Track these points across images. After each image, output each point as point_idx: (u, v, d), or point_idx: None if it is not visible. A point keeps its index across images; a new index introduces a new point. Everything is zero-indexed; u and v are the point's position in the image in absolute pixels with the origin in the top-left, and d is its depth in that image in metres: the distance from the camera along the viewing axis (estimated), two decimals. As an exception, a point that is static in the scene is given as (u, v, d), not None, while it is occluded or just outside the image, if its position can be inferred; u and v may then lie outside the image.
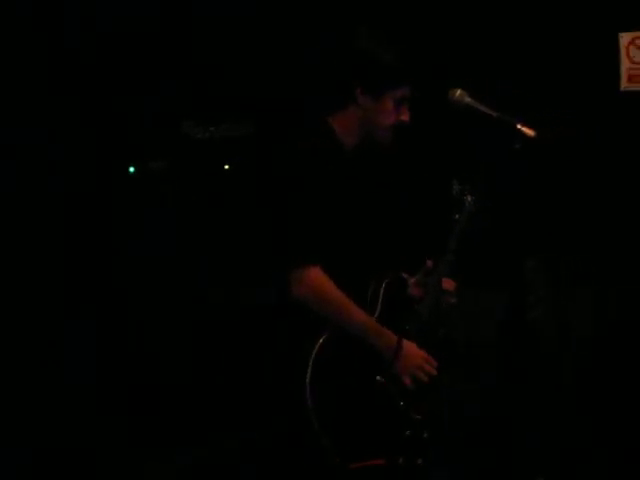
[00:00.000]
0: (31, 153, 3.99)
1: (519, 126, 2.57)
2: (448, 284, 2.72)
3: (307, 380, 2.43)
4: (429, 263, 2.72)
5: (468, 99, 2.65)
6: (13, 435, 3.73)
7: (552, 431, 3.73)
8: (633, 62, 4.03)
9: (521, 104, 2.82)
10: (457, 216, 2.68)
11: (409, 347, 2.57)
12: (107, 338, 4.07)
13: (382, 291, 2.62)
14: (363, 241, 2.65)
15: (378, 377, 2.54)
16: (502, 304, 4.09)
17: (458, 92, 2.65)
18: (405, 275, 2.79)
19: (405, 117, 2.64)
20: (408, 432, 2.56)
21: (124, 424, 3.92)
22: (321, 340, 2.48)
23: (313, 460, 2.46)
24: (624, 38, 4.05)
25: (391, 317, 2.61)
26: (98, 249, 4.15)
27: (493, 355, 4.02)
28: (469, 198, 2.69)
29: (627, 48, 4.04)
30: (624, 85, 4.06)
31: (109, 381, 3.99)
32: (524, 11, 4.13)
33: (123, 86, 4.21)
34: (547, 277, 4.10)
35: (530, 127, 2.56)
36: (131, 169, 4.44)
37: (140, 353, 4.12)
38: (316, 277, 2.48)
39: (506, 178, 3.98)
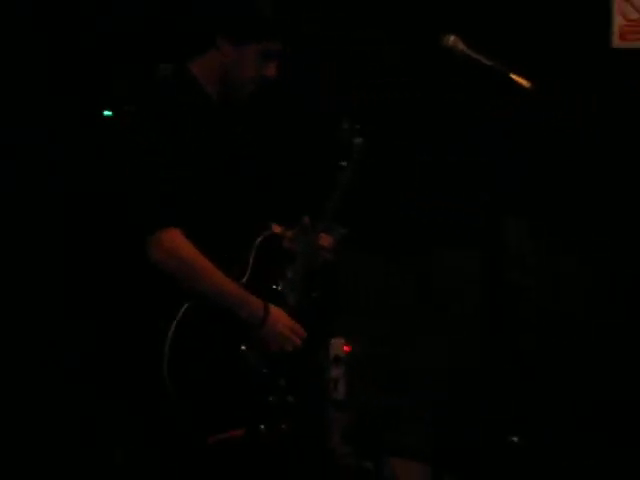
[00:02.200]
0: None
1: (513, 76, 2.47)
2: (324, 240, 2.60)
3: (165, 349, 2.29)
4: (306, 219, 2.57)
5: (462, 46, 2.55)
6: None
7: (528, 392, 3.70)
8: (626, 19, 3.94)
9: (510, 59, 2.72)
10: (344, 163, 2.51)
11: (276, 315, 2.47)
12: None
13: (254, 251, 2.49)
14: (231, 197, 2.51)
15: (243, 347, 2.44)
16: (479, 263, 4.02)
17: (452, 38, 2.56)
18: (280, 230, 2.65)
19: (270, 72, 2.50)
20: (271, 398, 2.48)
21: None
22: (184, 308, 2.34)
23: (171, 436, 2.37)
24: (616, -6, 3.96)
25: (262, 277, 2.50)
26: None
27: (472, 313, 3.96)
28: (359, 140, 2.50)
29: (620, 4, 3.95)
30: (616, 42, 3.98)
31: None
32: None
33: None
34: (530, 241, 4.04)
35: (525, 78, 2.47)
36: (107, 112, 4.29)
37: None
38: (173, 239, 2.33)
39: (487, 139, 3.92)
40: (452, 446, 3.70)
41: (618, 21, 3.94)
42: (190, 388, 2.34)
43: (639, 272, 3.83)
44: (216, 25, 2.44)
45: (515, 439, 3.09)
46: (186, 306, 2.35)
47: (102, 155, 2.82)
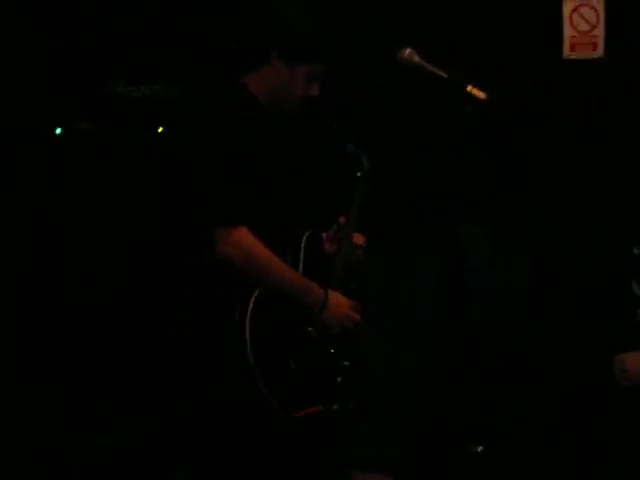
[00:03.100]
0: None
1: (469, 88, 2.49)
2: (358, 238, 2.82)
3: (247, 339, 2.46)
4: (342, 219, 2.80)
5: (417, 58, 2.57)
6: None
7: (491, 400, 3.71)
8: (576, 30, 3.99)
9: (464, 70, 2.75)
10: (359, 173, 2.78)
11: (335, 297, 2.66)
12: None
13: (302, 247, 2.68)
14: (282, 199, 2.69)
15: (310, 328, 2.62)
16: (438, 271, 4.05)
17: (407, 51, 2.58)
18: (320, 231, 2.86)
19: (314, 92, 2.69)
20: (339, 379, 2.66)
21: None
22: (253, 298, 2.51)
23: (260, 416, 2.51)
24: (567, 5, 4.01)
25: (312, 272, 2.67)
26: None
27: (430, 323, 3.98)
28: (364, 157, 2.78)
29: (570, 16, 4.00)
30: (567, 53, 4.03)
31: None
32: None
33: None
34: (485, 245, 4.07)
35: (481, 89, 2.48)
36: (58, 130, 4.26)
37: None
38: (244, 237, 2.50)
39: (445, 145, 3.96)
40: (415, 458, 3.70)
41: (569, 33, 4.00)
42: (273, 372, 2.51)
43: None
44: (273, 44, 2.61)
45: (479, 449, 3.10)
46: (256, 294, 2.52)
47: (168, 156, 2.87)
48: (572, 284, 3.91)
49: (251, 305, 2.49)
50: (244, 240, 2.49)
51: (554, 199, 4.03)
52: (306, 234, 2.71)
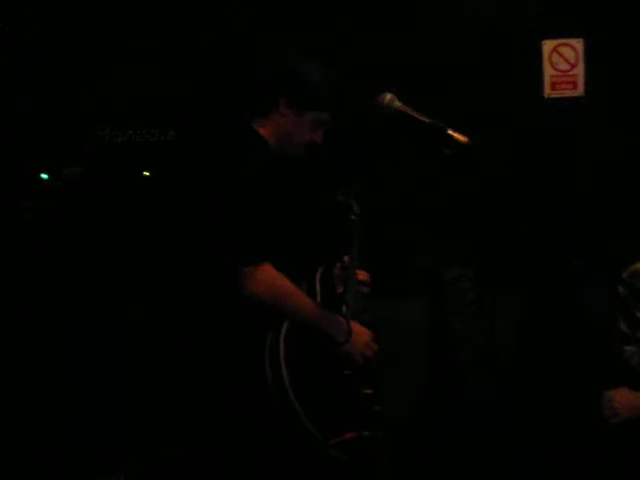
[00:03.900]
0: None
1: (451, 132, 2.51)
2: (362, 275, 2.92)
3: (284, 372, 2.55)
4: (347, 258, 2.88)
5: (398, 103, 2.59)
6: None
7: (481, 438, 3.71)
8: (556, 69, 4.04)
9: (444, 111, 2.78)
10: (353, 217, 2.87)
11: (356, 327, 2.74)
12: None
13: (318, 282, 2.79)
14: (295, 237, 2.77)
15: (346, 371, 2.73)
16: (425, 313, 4.06)
17: (388, 97, 2.59)
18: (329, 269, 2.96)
19: (318, 139, 2.78)
20: (366, 407, 2.76)
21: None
22: (283, 331, 2.60)
23: (299, 443, 2.59)
24: (547, 45, 4.06)
25: (328, 306, 2.76)
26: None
27: (421, 362, 3.98)
28: (354, 203, 2.88)
29: (550, 55, 4.06)
30: (547, 92, 4.08)
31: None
32: (448, 16, 4.11)
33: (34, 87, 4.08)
34: (472, 285, 4.09)
35: (461, 133, 2.50)
36: (44, 176, 4.26)
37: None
38: (271, 274, 2.58)
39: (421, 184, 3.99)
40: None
41: (549, 72, 4.05)
42: (309, 401, 2.59)
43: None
44: (283, 93, 2.71)
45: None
46: (285, 328, 2.61)
47: (188, 199, 2.93)
48: (558, 322, 3.92)
49: (282, 337, 2.58)
50: (270, 276, 2.57)
51: (537, 239, 4.06)
52: (319, 271, 2.82)
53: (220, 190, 2.62)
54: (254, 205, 2.58)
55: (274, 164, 2.69)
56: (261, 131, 2.74)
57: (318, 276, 2.81)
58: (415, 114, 2.57)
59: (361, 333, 2.77)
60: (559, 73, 4.03)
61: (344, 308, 2.81)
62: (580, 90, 4.03)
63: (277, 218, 2.64)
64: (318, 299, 2.76)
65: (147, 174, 4.31)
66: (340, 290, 2.88)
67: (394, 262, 3.83)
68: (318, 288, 2.78)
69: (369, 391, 2.77)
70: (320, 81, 2.72)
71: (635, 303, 3.21)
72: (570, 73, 4.02)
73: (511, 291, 4.03)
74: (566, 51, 4.03)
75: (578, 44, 4.03)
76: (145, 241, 4.12)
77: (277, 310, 2.61)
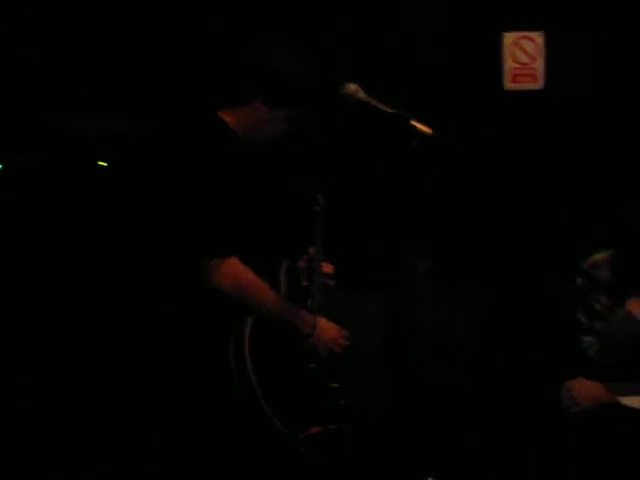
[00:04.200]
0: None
1: (415, 123, 2.50)
2: (327, 268, 2.91)
3: (249, 367, 2.51)
4: (312, 250, 2.86)
5: (362, 94, 2.57)
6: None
7: (441, 430, 3.72)
8: (517, 62, 4.06)
9: (404, 103, 2.77)
10: (317, 208, 2.88)
11: (322, 322, 2.74)
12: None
13: (282, 276, 2.77)
14: (260, 230, 2.74)
15: (312, 365, 2.71)
16: (384, 305, 4.07)
17: (352, 87, 2.57)
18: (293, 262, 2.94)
19: (286, 131, 2.75)
20: (332, 401, 2.74)
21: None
22: (248, 326, 2.57)
23: (265, 439, 2.57)
24: (507, 38, 4.08)
25: (293, 299, 2.75)
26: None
27: (379, 355, 3.98)
28: (318, 194, 2.90)
29: (510, 48, 4.07)
30: (508, 85, 4.09)
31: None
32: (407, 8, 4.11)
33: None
34: (429, 277, 4.10)
35: (426, 124, 2.50)
36: (-2, 165, 4.19)
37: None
38: (236, 267, 2.54)
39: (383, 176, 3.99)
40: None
41: (509, 64, 4.07)
42: (275, 398, 2.56)
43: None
44: (258, 87, 2.66)
45: (430, 480, 3.09)
46: (250, 323, 2.58)
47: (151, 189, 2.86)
48: (517, 314, 3.95)
49: (248, 333, 2.55)
50: (236, 270, 2.53)
51: (496, 230, 4.08)
52: (284, 264, 2.79)
53: (183, 181, 2.57)
54: (219, 196, 2.54)
55: (240, 154, 2.65)
56: (228, 120, 2.69)
57: (283, 269, 2.79)
58: (379, 105, 2.56)
59: (328, 328, 2.76)
60: (519, 66, 4.05)
61: (310, 302, 2.80)
62: (540, 83, 4.05)
63: (243, 210, 2.60)
64: (282, 292, 2.73)
65: (103, 164, 4.25)
66: (305, 283, 2.86)
67: (351, 253, 3.81)
68: (283, 282, 2.76)
69: (335, 385, 2.76)
70: (298, 78, 2.68)
71: (593, 294, 3.25)
72: (531, 66, 4.04)
73: (474, 283, 4.04)
74: (527, 44, 4.04)
75: (539, 37, 4.05)
76: (102, 233, 4.07)
77: (242, 304, 2.57)
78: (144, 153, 3.85)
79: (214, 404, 2.58)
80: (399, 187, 4.00)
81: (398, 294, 4.03)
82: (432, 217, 4.01)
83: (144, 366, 2.73)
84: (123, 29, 4.10)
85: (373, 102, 2.56)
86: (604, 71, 3.97)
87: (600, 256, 3.27)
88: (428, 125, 2.51)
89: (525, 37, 4.06)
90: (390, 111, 2.54)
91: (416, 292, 4.02)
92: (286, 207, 3.30)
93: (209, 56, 3.92)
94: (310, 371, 2.72)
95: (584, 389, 3.10)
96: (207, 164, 2.56)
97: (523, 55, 4.06)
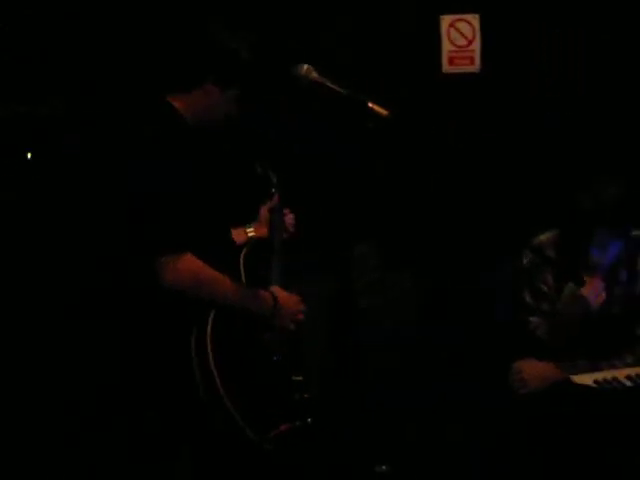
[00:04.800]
0: None
1: (371, 105, 2.45)
2: (289, 218, 3.01)
3: (212, 368, 2.44)
4: (276, 198, 2.93)
5: (315, 75, 2.51)
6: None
7: (390, 419, 3.70)
8: (454, 45, 4.06)
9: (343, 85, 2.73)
10: (273, 190, 2.95)
11: (281, 295, 2.70)
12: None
13: (241, 263, 2.73)
14: (215, 218, 2.68)
15: (266, 335, 2.66)
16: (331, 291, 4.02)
17: (305, 67, 2.51)
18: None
19: (237, 113, 2.70)
20: (297, 395, 2.70)
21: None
22: (209, 325, 2.50)
23: (233, 441, 2.51)
24: (445, 21, 4.07)
25: (254, 280, 2.71)
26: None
27: (324, 342, 3.94)
28: (273, 175, 2.96)
29: (448, 31, 4.07)
30: (445, 67, 4.09)
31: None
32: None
33: None
34: (373, 262, 4.08)
35: (381, 106, 2.45)
36: None
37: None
38: (191, 262, 2.47)
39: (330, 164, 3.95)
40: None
41: (447, 47, 4.06)
42: (240, 398, 2.49)
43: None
44: (209, 70, 2.59)
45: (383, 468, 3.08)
46: (211, 318, 2.50)
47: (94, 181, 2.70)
48: (465, 296, 3.97)
49: (209, 328, 2.48)
50: (192, 264, 2.46)
51: (438, 213, 4.09)
52: (242, 252, 2.76)
53: (131, 173, 2.45)
54: (169, 188, 2.43)
55: (189, 141, 2.56)
56: (177, 105, 2.60)
57: (242, 256, 2.74)
58: (333, 86, 2.51)
59: (286, 299, 2.71)
60: (457, 48, 4.05)
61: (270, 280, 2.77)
62: (477, 66, 4.06)
63: (195, 200, 2.50)
64: (243, 279, 2.68)
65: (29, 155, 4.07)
66: (262, 273, 2.81)
67: (301, 239, 3.77)
68: (242, 269, 2.71)
69: (299, 378, 2.72)
70: (248, 57, 2.63)
71: (539, 275, 3.27)
72: (467, 48, 4.04)
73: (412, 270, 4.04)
74: (463, 26, 4.05)
75: (474, 19, 4.05)
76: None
77: (200, 298, 2.50)
78: (84, 141, 3.71)
79: (178, 408, 2.51)
80: (348, 176, 3.96)
81: (346, 283, 4.00)
82: (380, 206, 3.99)
83: (105, 364, 2.63)
84: (69, 9, 3.94)
85: (327, 83, 2.51)
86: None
87: (545, 236, 3.31)
88: (383, 106, 2.47)
89: (461, 19, 4.06)
90: (344, 92, 2.49)
91: (366, 279, 3.99)
92: (240, 190, 3.27)
93: (158, 40, 3.79)
94: (274, 364, 2.67)
95: (533, 369, 3.12)
96: (153, 154, 2.45)
97: (460, 38, 4.06)
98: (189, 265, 2.45)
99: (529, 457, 3.00)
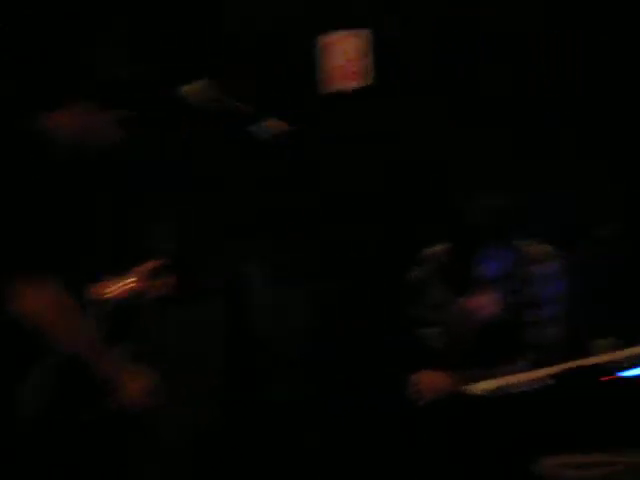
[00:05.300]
0: None
1: (268, 120, 2.46)
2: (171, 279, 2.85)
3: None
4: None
5: (211, 92, 2.50)
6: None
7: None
8: (339, 62, 4.10)
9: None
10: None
11: (131, 374, 2.49)
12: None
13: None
14: (84, 247, 2.55)
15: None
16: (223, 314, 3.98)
17: (194, 87, 2.51)
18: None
19: (118, 136, 2.63)
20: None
21: None
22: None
23: None
24: (330, 39, 4.10)
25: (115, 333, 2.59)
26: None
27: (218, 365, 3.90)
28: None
29: (328, 49, 4.09)
30: (330, 86, 4.12)
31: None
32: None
33: None
34: (264, 278, 4.06)
35: (280, 120, 2.47)
36: None
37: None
38: (57, 291, 2.31)
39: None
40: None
41: (332, 64, 4.10)
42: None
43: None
44: (82, 88, 2.52)
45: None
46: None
47: None
48: (358, 310, 3.99)
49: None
50: (57, 295, 2.31)
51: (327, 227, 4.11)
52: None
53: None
54: (31, 211, 2.33)
55: (55, 162, 2.45)
56: (51, 124, 2.49)
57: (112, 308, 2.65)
58: (229, 102, 2.51)
59: (136, 381, 2.49)
60: (342, 65, 4.09)
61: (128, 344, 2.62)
62: (363, 82, 4.11)
63: (58, 226, 2.40)
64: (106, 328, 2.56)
65: None
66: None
67: (191, 262, 3.72)
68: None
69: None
70: (128, 78, 2.60)
71: (431, 286, 3.33)
72: (353, 65, 4.09)
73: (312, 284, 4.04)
74: (349, 44, 4.09)
75: (362, 37, 4.09)
76: None
77: (52, 333, 2.32)
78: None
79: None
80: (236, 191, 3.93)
81: (237, 302, 3.96)
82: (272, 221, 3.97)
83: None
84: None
85: (223, 99, 2.51)
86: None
87: (437, 248, 3.37)
88: (281, 121, 2.48)
89: (348, 37, 4.10)
90: (241, 108, 2.49)
91: (254, 299, 3.96)
92: (114, 220, 3.17)
93: (35, 56, 3.67)
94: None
95: (429, 381, 3.17)
96: (12, 176, 2.35)
97: (344, 55, 4.10)
98: (56, 294, 2.32)
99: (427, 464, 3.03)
